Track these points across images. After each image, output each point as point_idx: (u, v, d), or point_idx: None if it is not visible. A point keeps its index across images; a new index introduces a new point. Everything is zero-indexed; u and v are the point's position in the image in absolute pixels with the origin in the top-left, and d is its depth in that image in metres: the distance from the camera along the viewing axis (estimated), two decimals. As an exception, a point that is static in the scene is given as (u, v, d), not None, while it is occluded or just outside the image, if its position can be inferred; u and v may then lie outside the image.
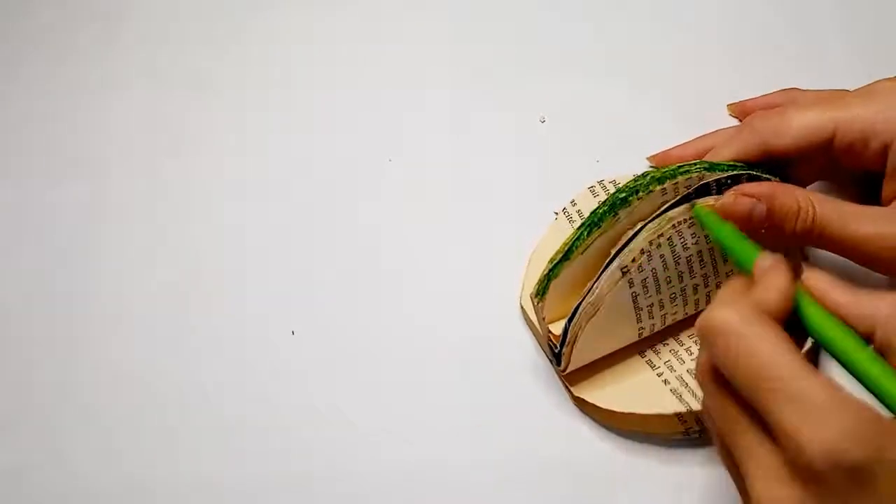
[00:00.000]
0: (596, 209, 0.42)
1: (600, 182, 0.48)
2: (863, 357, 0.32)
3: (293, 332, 0.48)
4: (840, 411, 0.30)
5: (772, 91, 0.49)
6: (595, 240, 0.41)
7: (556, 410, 0.45)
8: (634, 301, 0.42)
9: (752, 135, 0.43)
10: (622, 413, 0.43)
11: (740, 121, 0.50)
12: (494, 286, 0.48)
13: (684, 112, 0.51)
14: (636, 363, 0.44)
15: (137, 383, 0.47)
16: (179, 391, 0.46)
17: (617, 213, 0.41)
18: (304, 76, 0.55)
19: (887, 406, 0.31)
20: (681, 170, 0.42)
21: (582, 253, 0.42)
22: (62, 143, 0.54)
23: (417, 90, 0.54)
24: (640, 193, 0.41)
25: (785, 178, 0.43)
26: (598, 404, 0.43)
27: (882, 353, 0.32)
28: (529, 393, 0.45)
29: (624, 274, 0.41)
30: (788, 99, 0.48)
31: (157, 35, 0.57)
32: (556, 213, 0.47)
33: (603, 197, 0.47)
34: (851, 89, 0.44)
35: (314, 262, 0.49)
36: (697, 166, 0.42)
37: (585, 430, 0.44)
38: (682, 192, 0.42)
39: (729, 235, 0.39)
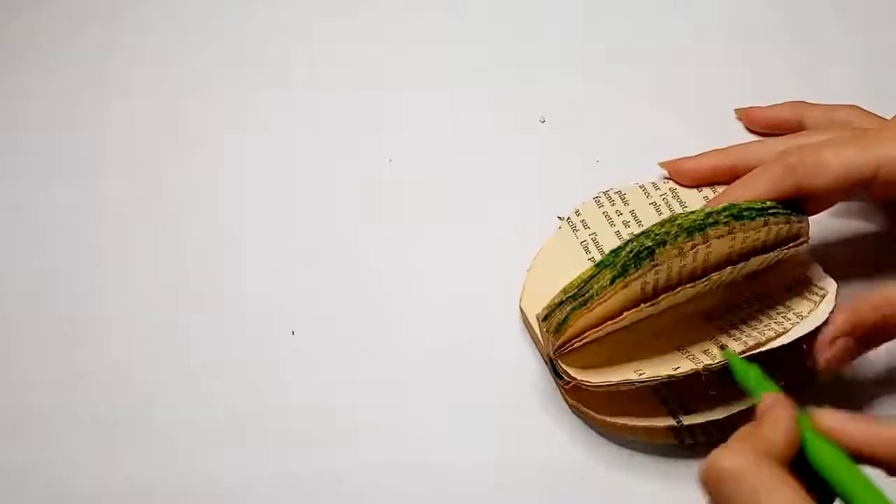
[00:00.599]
0: (618, 251, 0.40)
1: (605, 192, 0.48)
2: (865, 491, 0.31)
3: (293, 332, 0.48)
4: None
5: (777, 102, 0.49)
6: (617, 291, 0.40)
7: (553, 414, 0.45)
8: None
9: (785, 174, 0.42)
10: (615, 423, 0.43)
11: (748, 129, 0.50)
12: (494, 287, 0.48)
13: (684, 112, 0.51)
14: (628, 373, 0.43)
15: (137, 383, 0.47)
16: (179, 391, 0.46)
17: (641, 265, 0.40)
18: (303, 76, 0.55)
19: None
20: (709, 220, 0.40)
21: (601, 304, 0.40)
22: (62, 143, 0.54)
23: (417, 90, 0.54)
24: (668, 246, 0.40)
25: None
26: (592, 412, 0.43)
27: None
28: (528, 395, 0.45)
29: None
30: (796, 114, 0.47)
31: (157, 35, 0.57)
32: (561, 219, 0.47)
33: (609, 209, 0.47)
34: (866, 108, 0.45)
35: (314, 262, 0.49)
36: (725, 214, 0.41)
37: (583, 433, 0.44)
38: (711, 240, 0.40)
39: (752, 373, 0.38)
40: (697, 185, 0.47)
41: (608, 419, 0.43)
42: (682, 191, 0.47)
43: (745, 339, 0.42)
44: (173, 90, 0.55)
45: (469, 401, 0.45)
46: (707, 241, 0.40)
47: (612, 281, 0.40)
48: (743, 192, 0.42)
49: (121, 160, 0.53)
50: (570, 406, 0.44)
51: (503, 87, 0.53)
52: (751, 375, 0.38)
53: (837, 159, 0.41)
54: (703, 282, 0.41)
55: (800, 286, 0.44)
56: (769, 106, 0.49)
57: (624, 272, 0.40)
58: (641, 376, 0.41)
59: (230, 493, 0.44)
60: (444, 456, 0.44)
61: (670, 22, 0.55)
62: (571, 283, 0.41)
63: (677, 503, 0.42)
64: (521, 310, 0.46)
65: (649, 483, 0.43)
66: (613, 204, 0.47)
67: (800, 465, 0.33)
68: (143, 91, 0.55)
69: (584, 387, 0.42)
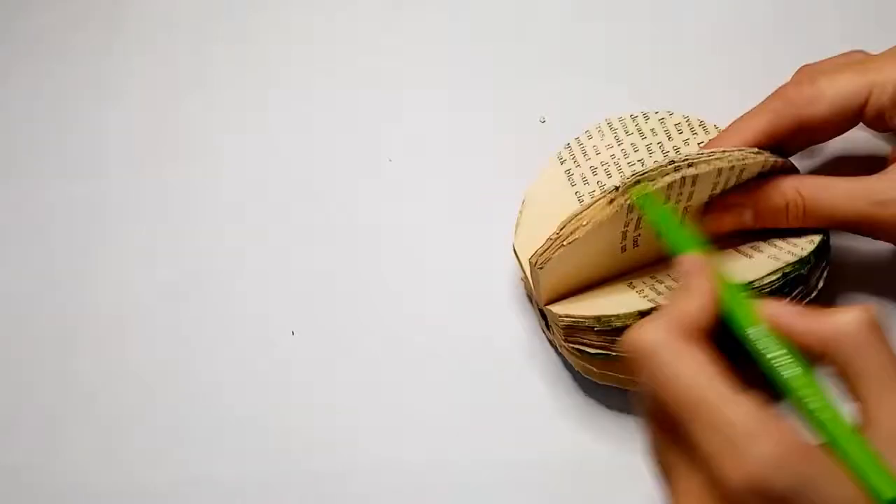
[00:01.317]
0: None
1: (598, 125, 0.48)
2: (779, 366, 0.31)
3: (293, 332, 0.48)
4: (762, 437, 0.29)
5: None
6: (602, 209, 0.40)
7: (555, 414, 0.45)
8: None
9: (784, 105, 0.42)
10: (610, 374, 0.42)
11: None
12: (494, 287, 0.48)
13: (685, 111, 0.51)
14: (622, 288, 0.43)
15: (137, 383, 0.47)
16: (179, 391, 0.46)
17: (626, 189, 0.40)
18: (304, 76, 0.55)
19: (806, 419, 0.30)
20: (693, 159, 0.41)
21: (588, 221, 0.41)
22: (62, 143, 0.54)
23: (417, 90, 0.54)
24: (652, 176, 0.40)
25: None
26: (561, 313, 0.42)
27: (839, 374, 0.31)
28: (529, 396, 0.45)
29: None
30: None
31: (157, 35, 0.57)
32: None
33: (598, 143, 0.47)
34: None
35: (314, 262, 0.49)
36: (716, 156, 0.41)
37: (583, 434, 0.44)
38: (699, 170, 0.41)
39: (665, 220, 0.38)
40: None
41: (620, 375, 0.43)
42: (669, 121, 0.47)
43: None
44: (173, 90, 0.55)
45: (469, 401, 0.45)
46: (695, 176, 0.41)
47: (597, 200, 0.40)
48: (744, 130, 0.43)
49: (121, 160, 0.53)
50: (547, 328, 0.44)
51: (503, 87, 0.53)
52: (669, 227, 0.37)
53: (832, 89, 0.42)
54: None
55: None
56: None
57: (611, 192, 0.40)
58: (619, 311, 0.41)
59: (230, 493, 0.44)
60: (444, 455, 0.44)
61: (670, 22, 0.55)
62: (561, 222, 0.41)
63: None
64: (515, 253, 0.45)
65: (649, 482, 0.43)
66: (603, 137, 0.47)
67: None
68: (143, 91, 0.55)
69: (567, 322, 0.42)
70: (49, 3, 0.58)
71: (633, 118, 0.47)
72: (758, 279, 0.41)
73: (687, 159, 0.41)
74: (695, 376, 0.30)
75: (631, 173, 0.41)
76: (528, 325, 0.47)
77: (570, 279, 0.43)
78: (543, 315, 0.44)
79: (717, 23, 0.55)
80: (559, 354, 0.45)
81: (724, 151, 0.41)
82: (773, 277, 0.41)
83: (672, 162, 0.40)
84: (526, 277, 0.45)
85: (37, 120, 0.55)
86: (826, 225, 0.42)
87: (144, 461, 0.45)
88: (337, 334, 0.47)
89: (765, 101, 0.44)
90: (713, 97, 0.51)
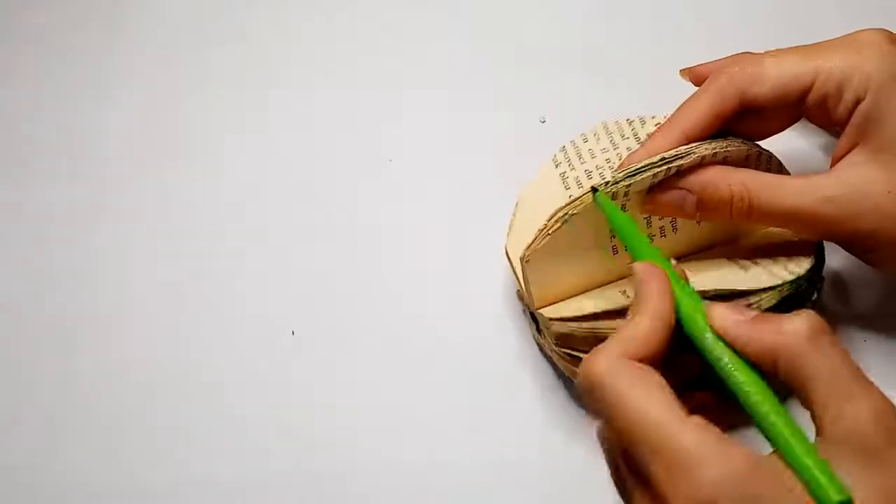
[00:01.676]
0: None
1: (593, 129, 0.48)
2: (728, 370, 0.31)
3: (293, 332, 0.48)
4: (709, 460, 0.29)
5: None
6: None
7: (554, 414, 0.45)
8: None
9: (728, 83, 0.41)
10: (573, 319, 0.42)
11: (696, 84, 0.49)
12: (495, 287, 0.48)
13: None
14: (613, 295, 0.43)
15: (137, 383, 0.47)
16: (179, 391, 0.46)
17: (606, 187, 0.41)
18: (304, 76, 0.55)
19: (758, 424, 0.30)
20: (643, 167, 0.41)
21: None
22: (62, 143, 0.54)
23: (417, 90, 0.54)
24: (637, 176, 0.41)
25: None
26: (553, 315, 0.42)
27: (789, 382, 0.31)
28: (529, 396, 0.45)
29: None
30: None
31: (157, 35, 0.57)
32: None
33: (594, 146, 0.47)
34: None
35: (314, 262, 0.49)
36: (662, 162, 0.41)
37: (583, 433, 0.44)
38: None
39: (623, 226, 0.37)
40: (708, 133, 0.45)
41: (568, 315, 0.42)
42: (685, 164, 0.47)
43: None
44: (173, 90, 0.55)
45: (468, 401, 0.45)
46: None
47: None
48: (690, 111, 0.41)
49: (121, 160, 0.53)
50: (556, 361, 0.44)
51: (503, 87, 0.53)
52: (627, 231, 0.37)
53: (777, 68, 0.40)
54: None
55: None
56: (714, 60, 0.48)
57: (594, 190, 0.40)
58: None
59: (230, 493, 0.44)
60: (442, 455, 0.44)
61: (670, 22, 0.55)
62: (548, 216, 0.41)
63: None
64: (507, 255, 0.45)
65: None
66: (599, 141, 0.47)
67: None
68: (143, 91, 0.55)
69: (557, 329, 0.42)
70: (49, 3, 0.58)
71: (630, 122, 0.47)
72: (753, 291, 0.41)
73: (678, 154, 0.40)
74: (643, 402, 0.30)
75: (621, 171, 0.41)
76: (526, 327, 0.47)
77: (560, 282, 0.43)
78: (535, 319, 0.44)
79: (717, 23, 0.55)
80: (549, 359, 0.45)
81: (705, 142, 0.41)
82: (768, 294, 0.41)
83: (663, 158, 0.40)
84: (518, 281, 0.45)
85: (37, 120, 0.55)
86: (773, 223, 0.41)
87: (144, 461, 0.45)
88: (337, 334, 0.47)
89: (706, 82, 0.42)
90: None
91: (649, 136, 0.43)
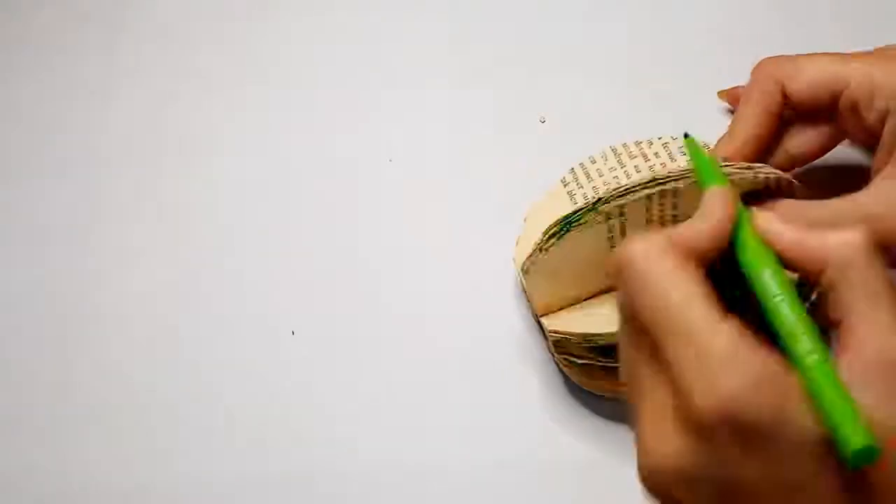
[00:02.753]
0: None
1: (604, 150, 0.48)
2: (774, 301, 0.30)
3: (293, 332, 0.48)
4: (740, 365, 0.28)
5: None
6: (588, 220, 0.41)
7: (554, 414, 0.45)
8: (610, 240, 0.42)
9: (767, 79, 0.43)
10: (579, 335, 0.42)
11: (733, 105, 0.50)
12: (494, 288, 0.48)
13: (685, 112, 0.51)
14: (614, 305, 0.43)
15: (137, 383, 0.47)
16: (179, 391, 0.46)
17: (608, 203, 0.41)
18: (304, 76, 0.55)
19: (793, 362, 0.29)
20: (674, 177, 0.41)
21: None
22: (62, 143, 0.54)
23: (417, 90, 0.54)
24: (636, 192, 0.41)
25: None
26: (550, 328, 0.43)
27: (827, 292, 0.30)
28: (530, 396, 0.45)
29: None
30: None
31: (157, 35, 0.57)
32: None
33: (602, 167, 0.47)
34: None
35: (314, 261, 0.49)
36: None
37: (583, 433, 0.44)
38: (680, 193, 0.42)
39: (705, 164, 0.37)
40: (768, 134, 0.47)
41: (594, 381, 0.43)
42: (673, 146, 0.47)
43: None
44: (173, 90, 0.55)
45: (469, 402, 0.45)
46: (676, 195, 0.41)
47: (585, 212, 0.41)
48: (744, 117, 0.43)
49: (121, 160, 0.53)
50: (558, 364, 0.45)
51: (503, 87, 0.53)
52: (704, 165, 0.36)
53: (813, 66, 0.42)
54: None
55: None
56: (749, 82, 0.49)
57: (594, 207, 0.41)
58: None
59: (230, 493, 0.44)
60: (442, 456, 0.44)
61: (670, 21, 0.55)
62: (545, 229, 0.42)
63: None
64: (515, 264, 0.46)
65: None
66: (606, 161, 0.47)
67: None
68: (143, 91, 0.55)
69: (555, 338, 0.43)
70: (50, 3, 0.58)
71: (638, 144, 0.47)
72: None
73: (670, 175, 0.41)
74: (679, 293, 0.29)
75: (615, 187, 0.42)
76: (527, 327, 0.47)
77: (562, 290, 0.43)
78: (540, 324, 0.44)
79: (717, 22, 0.55)
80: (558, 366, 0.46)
81: None
82: None
83: (655, 178, 0.41)
84: (524, 286, 0.45)
85: (37, 120, 0.55)
86: None
87: (144, 461, 0.45)
88: (337, 334, 0.47)
89: (748, 87, 0.44)
90: (713, 96, 0.52)
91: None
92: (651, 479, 0.30)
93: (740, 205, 0.33)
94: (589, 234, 0.41)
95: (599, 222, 0.41)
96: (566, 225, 0.41)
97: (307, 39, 0.56)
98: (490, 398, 0.45)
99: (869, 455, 0.27)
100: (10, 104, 0.55)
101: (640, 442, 0.30)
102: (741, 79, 0.52)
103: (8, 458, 0.46)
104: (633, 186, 0.41)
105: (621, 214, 0.41)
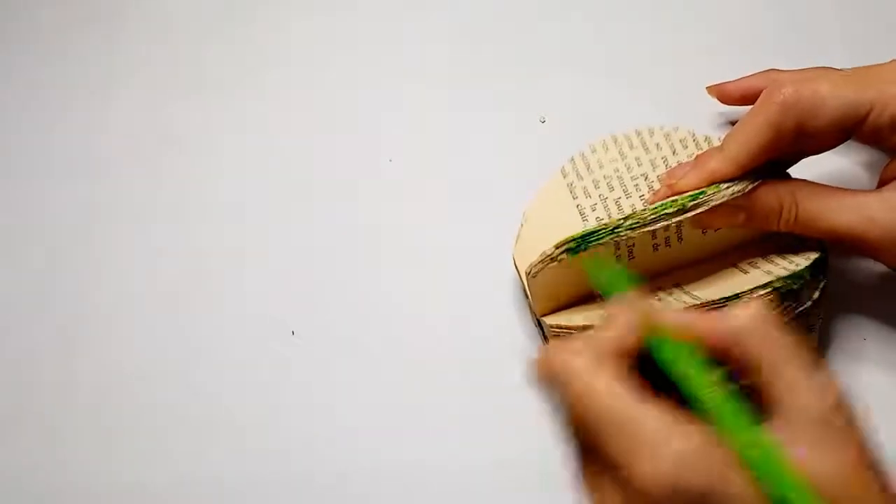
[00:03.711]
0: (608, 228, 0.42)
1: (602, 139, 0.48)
2: (704, 395, 0.31)
3: (293, 332, 0.48)
4: (673, 437, 0.29)
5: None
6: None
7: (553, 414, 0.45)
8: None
9: (783, 116, 0.41)
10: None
11: (722, 101, 0.49)
12: (494, 288, 0.48)
13: (685, 112, 0.51)
14: None
15: (137, 383, 0.47)
16: (179, 391, 0.46)
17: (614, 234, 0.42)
18: (304, 76, 0.55)
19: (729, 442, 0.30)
20: (693, 200, 0.42)
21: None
22: (62, 143, 0.54)
23: (417, 90, 0.54)
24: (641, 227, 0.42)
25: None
26: (551, 323, 0.43)
27: (744, 367, 0.31)
28: (532, 395, 0.45)
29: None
30: (769, 81, 0.46)
31: (157, 35, 0.57)
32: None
33: (602, 157, 0.47)
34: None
35: (314, 261, 0.49)
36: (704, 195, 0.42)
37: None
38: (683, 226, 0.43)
39: (611, 278, 0.38)
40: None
41: (572, 324, 0.43)
42: (674, 137, 0.47)
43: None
44: (173, 90, 0.55)
45: (469, 402, 0.45)
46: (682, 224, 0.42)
47: (604, 234, 0.42)
48: (746, 144, 0.41)
49: (121, 160, 0.53)
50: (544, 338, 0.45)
51: (503, 87, 0.53)
52: (603, 272, 0.37)
53: (836, 99, 0.40)
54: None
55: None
56: (740, 78, 0.49)
57: (615, 231, 0.42)
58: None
59: (230, 493, 0.44)
60: (442, 456, 0.44)
61: (670, 21, 0.55)
62: (557, 242, 0.42)
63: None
64: (514, 263, 0.46)
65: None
66: (607, 151, 0.47)
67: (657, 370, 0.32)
68: (143, 91, 0.55)
69: (556, 333, 0.43)
70: (50, 3, 0.58)
71: (639, 133, 0.47)
72: (745, 291, 0.41)
73: (685, 206, 0.42)
74: (605, 388, 0.31)
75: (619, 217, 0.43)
76: (526, 327, 0.47)
77: (565, 292, 0.44)
78: (540, 324, 0.44)
79: (718, 23, 0.55)
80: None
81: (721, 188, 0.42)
82: (763, 291, 0.41)
83: (677, 208, 0.42)
84: (525, 286, 0.45)
85: (37, 120, 0.55)
86: (816, 234, 0.42)
87: (144, 461, 0.45)
88: (337, 334, 0.47)
89: (758, 111, 0.41)
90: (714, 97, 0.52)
91: (699, 156, 0.43)
92: None
93: (646, 309, 0.34)
94: (599, 251, 0.42)
95: (611, 243, 0.42)
96: (582, 243, 0.42)
97: (307, 39, 0.56)
98: (490, 398, 0.45)
99: None
100: (10, 104, 0.55)
101: None
102: (741, 76, 0.52)
103: (8, 458, 0.46)
104: (657, 217, 0.42)
105: (631, 241, 0.42)
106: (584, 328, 0.42)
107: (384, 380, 0.46)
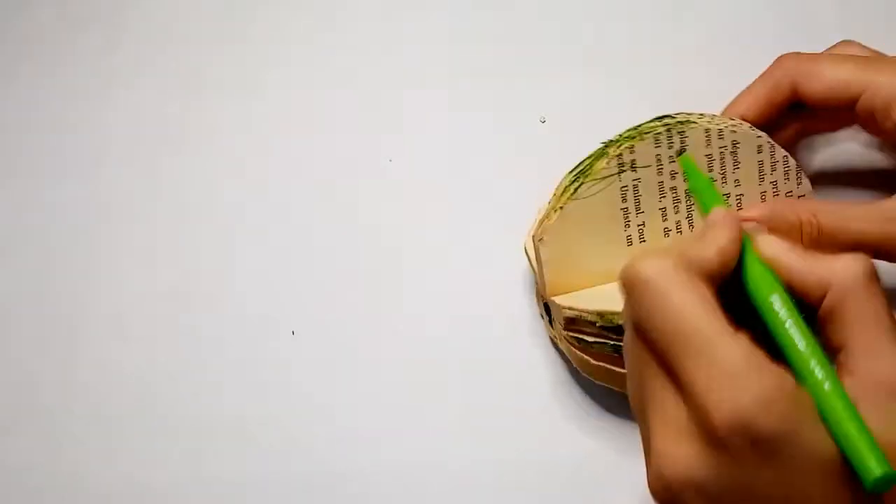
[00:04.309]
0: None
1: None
2: (785, 327, 0.31)
3: (293, 332, 0.48)
4: (755, 377, 0.28)
5: None
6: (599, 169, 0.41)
7: (557, 415, 0.45)
8: (623, 200, 0.42)
9: (784, 75, 0.43)
10: (604, 368, 0.42)
11: None
12: (493, 288, 0.48)
13: (684, 111, 0.51)
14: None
15: (137, 383, 0.47)
16: (179, 391, 0.46)
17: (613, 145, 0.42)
18: (304, 76, 0.55)
19: (805, 386, 0.30)
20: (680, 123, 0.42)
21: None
22: (62, 143, 0.54)
23: (417, 90, 0.54)
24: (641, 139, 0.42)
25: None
26: (564, 304, 0.42)
27: (828, 316, 0.31)
28: (532, 396, 0.45)
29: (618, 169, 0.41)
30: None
31: (157, 35, 0.57)
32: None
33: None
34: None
35: (314, 261, 0.49)
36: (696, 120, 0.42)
37: (584, 433, 0.44)
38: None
39: (702, 184, 0.38)
40: (762, 120, 0.47)
41: (616, 369, 0.42)
42: (689, 132, 0.47)
43: None
44: (173, 90, 0.55)
45: (470, 402, 0.45)
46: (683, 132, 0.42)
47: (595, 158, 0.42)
48: (745, 97, 0.44)
49: (121, 160, 0.53)
50: (564, 350, 0.44)
51: (503, 87, 0.53)
52: (703, 186, 0.37)
53: (832, 71, 0.42)
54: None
55: None
56: None
57: (604, 151, 0.41)
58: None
59: (230, 493, 0.44)
60: (444, 456, 0.44)
61: (671, 22, 0.55)
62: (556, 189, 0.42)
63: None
64: (526, 251, 0.45)
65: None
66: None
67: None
68: (143, 91, 0.55)
69: (570, 315, 0.42)
70: (50, 3, 0.58)
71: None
72: None
73: (677, 117, 0.42)
74: (694, 307, 0.30)
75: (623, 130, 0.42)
76: (528, 327, 0.47)
77: (574, 267, 0.43)
78: (548, 311, 0.44)
79: (718, 23, 0.55)
80: (560, 353, 0.45)
81: (715, 116, 0.42)
82: None
83: (666, 125, 0.42)
84: (536, 274, 0.45)
85: (37, 120, 0.54)
86: (843, 245, 0.41)
87: (144, 461, 0.45)
88: (337, 334, 0.47)
89: (763, 73, 0.44)
90: (713, 96, 0.51)
91: None
92: (661, 488, 0.30)
93: (744, 229, 0.34)
94: (602, 194, 0.41)
95: (611, 174, 0.41)
96: (578, 175, 0.41)
97: (307, 39, 0.56)
98: (490, 398, 0.45)
99: (887, 482, 0.28)
100: (10, 104, 0.55)
101: (651, 452, 0.31)
102: (741, 78, 0.52)
103: (8, 457, 0.46)
104: (644, 130, 0.41)
105: (633, 166, 0.41)
106: (600, 315, 0.41)
107: (384, 380, 0.46)
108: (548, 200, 0.47)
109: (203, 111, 0.54)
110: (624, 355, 0.34)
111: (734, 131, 0.42)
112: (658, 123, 0.42)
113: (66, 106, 0.55)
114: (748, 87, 0.44)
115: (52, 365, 0.48)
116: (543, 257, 0.42)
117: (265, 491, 0.44)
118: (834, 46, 0.47)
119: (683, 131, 0.41)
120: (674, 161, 0.42)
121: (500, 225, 0.49)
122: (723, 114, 0.45)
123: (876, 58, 0.44)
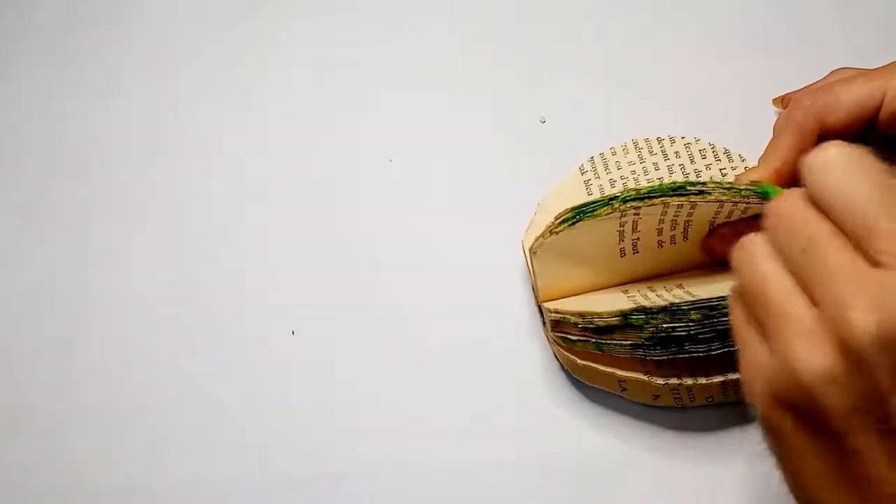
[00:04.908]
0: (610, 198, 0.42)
1: (622, 144, 0.48)
2: None
3: (293, 332, 0.48)
4: None
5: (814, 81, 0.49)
6: (602, 216, 0.41)
7: (557, 415, 0.45)
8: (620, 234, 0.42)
9: (805, 116, 0.43)
10: (601, 370, 0.42)
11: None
12: (492, 288, 0.48)
13: (685, 112, 0.51)
14: (614, 292, 0.44)
15: (137, 383, 0.47)
16: (179, 391, 0.46)
17: (624, 203, 0.41)
18: (304, 76, 0.55)
19: None
20: (690, 186, 0.41)
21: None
22: (62, 143, 0.54)
23: (417, 90, 0.54)
24: (654, 198, 0.41)
25: None
26: (550, 308, 0.43)
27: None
28: (533, 396, 0.45)
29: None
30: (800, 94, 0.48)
31: (158, 35, 0.57)
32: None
33: (622, 160, 0.48)
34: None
35: (314, 261, 0.49)
36: (714, 188, 0.41)
37: (585, 433, 0.44)
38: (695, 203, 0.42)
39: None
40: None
41: (601, 367, 0.43)
42: (694, 147, 0.48)
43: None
44: (173, 90, 0.55)
45: (470, 401, 0.45)
46: (693, 206, 0.41)
47: (600, 206, 0.41)
48: (778, 150, 0.44)
49: (121, 160, 0.53)
50: (553, 350, 0.45)
51: (503, 87, 0.53)
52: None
53: (848, 94, 0.43)
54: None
55: None
56: (807, 85, 0.49)
57: (609, 203, 0.41)
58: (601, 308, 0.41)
59: (230, 493, 0.44)
60: (443, 456, 0.44)
61: (670, 22, 0.55)
62: (557, 213, 0.42)
63: (678, 501, 0.42)
64: (524, 252, 0.46)
65: (645, 481, 0.43)
66: (627, 154, 0.48)
67: None
68: (143, 91, 0.55)
69: (554, 318, 0.42)
70: (50, 3, 0.58)
71: (660, 140, 0.48)
72: (717, 297, 0.41)
73: (690, 188, 0.41)
74: (868, 188, 0.29)
75: (634, 187, 0.42)
76: (529, 325, 0.47)
77: (566, 278, 0.43)
78: (542, 313, 0.45)
79: (718, 23, 0.55)
80: (556, 355, 0.46)
81: (730, 188, 0.41)
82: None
83: (674, 187, 0.41)
84: (531, 271, 0.45)
85: (37, 120, 0.55)
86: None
87: (144, 461, 0.45)
88: (337, 334, 0.47)
89: (782, 119, 0.44)
90: (713, 96, 0.52)
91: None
92: (782, 387, 0.29)
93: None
94: (600, 225, 0.41)
95: (612, 217, 0.41)
96: (579, 213, 0.41)
97: (307, 39, 0.56)
98: (490, 398, 0.45)
99: None
100: (10, 104, 0.55)
101: (782, 358, 0.29)
102: (741, 78, 0.52)
103: (8, 457, 0.46)
104: (652, 192, 0.41)
105: (636, 213, 0.41)
106: (581, 315, 0.41)
107: (384, 380, 0.46)
108: (546, 199, 0.47)
109: (203, 111, 0.54)
110: (734, 263, 0.32)
111: (748, 201, 0.41)
112: (669, 189, 0.41)
113: (66, 105, 0.55)
114: (775, 139, 0.44)
115: (52, 365, 0.48)
116: (536, 268, 0.43)
117: (265, 491, 0.44)
118: (828, 75, 0.47)
119: (696, 203, 0.41)
120: (678, 211, 0.42)
121: (500, 225, 0.49)
122: (760, 164, 0.44)
123: (880, 67, 0.44)
